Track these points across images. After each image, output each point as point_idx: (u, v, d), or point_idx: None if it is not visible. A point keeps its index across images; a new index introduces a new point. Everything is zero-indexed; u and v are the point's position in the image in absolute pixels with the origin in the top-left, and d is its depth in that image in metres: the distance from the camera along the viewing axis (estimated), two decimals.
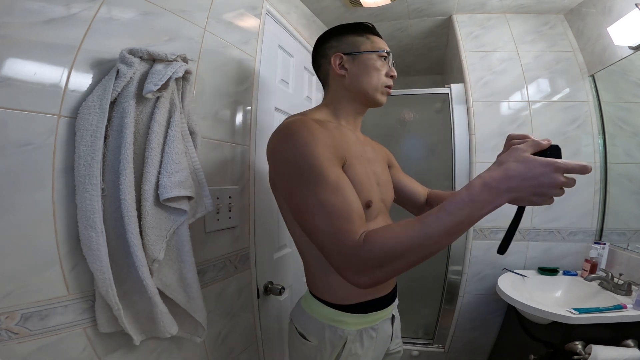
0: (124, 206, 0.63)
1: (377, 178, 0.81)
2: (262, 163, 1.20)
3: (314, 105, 1.63)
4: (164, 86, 0.69)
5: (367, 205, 0.72)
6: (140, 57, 0.68)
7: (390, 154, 1.02)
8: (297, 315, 0.83)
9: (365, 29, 0.82)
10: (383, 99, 0.82)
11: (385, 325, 0.83)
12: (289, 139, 0.64)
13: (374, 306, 0.79)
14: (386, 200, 0.85)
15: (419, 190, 1.00)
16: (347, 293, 0.76)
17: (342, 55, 0.79)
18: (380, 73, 0.80)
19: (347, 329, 0.75)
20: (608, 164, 1.59)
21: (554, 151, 0.50)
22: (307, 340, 0.77)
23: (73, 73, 0.63)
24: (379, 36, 0.83)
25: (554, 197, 0.48)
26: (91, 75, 0.66)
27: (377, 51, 0.79)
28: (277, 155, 0.68)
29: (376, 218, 0.77)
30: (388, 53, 0.81)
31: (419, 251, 0.52)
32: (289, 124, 0.67)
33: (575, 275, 1.52)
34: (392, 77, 0.82)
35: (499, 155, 0.55)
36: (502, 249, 0.55)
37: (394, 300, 0.86)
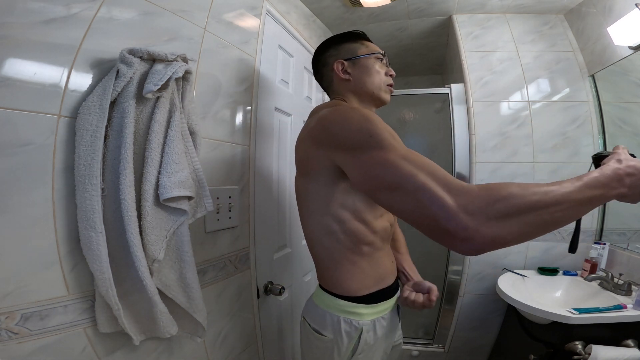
0: (124, 206, 0.63)
1: None
2: (262, 163, 1.20)
3: (314, 105, 1.63)
4: (164, 86, 0.69)
5: None
6: (140, 57, 0.68)
7: None
8: (310, 312, 0.84)
9: (358, 36, 0.88)
10: (387, 96, 0.87)
11: (393, 315, 0.86)
12: (351, 113, 0.66)
13: (383, 296, 0.82)
14: None
15: None
16: (358, 285, 0.78)
17: (343, 61, 0.85)
18: (381, 73, 0.86)
19: (362, 320, 0.78)
20: None
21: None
22: (323, 335, 0.79)
23: (73, 73, 0.63)
24: (371, 41, 0.90)
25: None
26: (91, 75, 0.66)
27: (374, 53, 0.86)
28: (337, 127, 0.66)
29: (382, 216, 0.80)
30: (384, 54, 0.87)
31: (552, 211, 0.46)
32: (343, 106, 0.72)
33: (575, 275, 1.52)
34: (391, 75, 0.88)
35: None
36: (573, 247, 0.61)
37: (397, 291, 0.89)
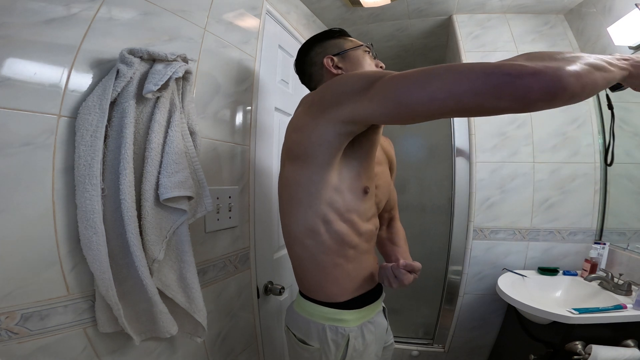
0: (124, 206, 0.63)
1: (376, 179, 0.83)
2: (262, 163, 1.20)
3: None
4: (164, 86, 0.69)
5: (365, 191, 0.74)
6: (140, 57, 0.68)
7: (393, 152, 1.02)
8: (293, 321, 0.80)
9: (338, 32, 0.87)
10: None
11: (380, 318, 0.84)
12: (351, 73, 0.67)
13: (368, 299, 0.79)
14: (379, 203, 0.86)
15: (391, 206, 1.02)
16: (341, 289, 0.75)
17: (332, 56, 0.83)
18: (372, 65, 0.84)
19: (348, 327, 0.74)
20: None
21: None
22: (309, 345, 0.75)
23: (73, 73, 0.63)
24: (351, 37, 0.88)
25: None
26: (91, 75, 0.66)
27: (362, 45, 0.85)
28: (342, 81, 0.64)
29: (369, 220, 0.78)
30: (371, 45, 0.86)
31: (591, 58, 0.49)
32: None
33: (575, 275, 1.52)
34: (381, 67, 0.86)
35: None
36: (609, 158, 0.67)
37: (382, 292, 0.87)
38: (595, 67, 0.48)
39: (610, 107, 0.77)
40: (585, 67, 0.46)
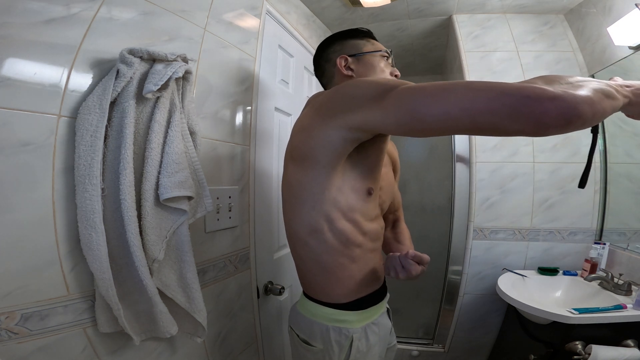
0: (124, 206, 0.63)
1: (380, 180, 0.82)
2: (262, 163, 1.20)
3: None
4: (164, 86, 0.69)
5: (369, 192, 0.74)
6: (140, 57, 0.68)
7: (396, 155, 1.02)
8: (297, 321, 0.80)
9: (364, 33, 0.86)
10: None
11: (384, 319, 0.83)
12: (364, 78, 0.66)
13: (371, 300, 0.79)
14: (383, 204, 0.86)
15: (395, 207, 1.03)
16: (345, 290, 0.75)
17: (347, 57, 0.82)
18: (385, 72, 0.83)
19: (352, 328, 0.74)
20: (608, 164, 1.59)
21: None
22: (312, 345, 0.75)
23: (73, 73, 0.63)
24: (377, 40, 0.87)
25: None
26: (91, 75, 0.66)
27: (380, 51, 0.83)
28: (355, 86, 0.64)
29: (373, 220, 0.78)
30: (390, 52, 0.84)
31: (598, 84, 0.50)
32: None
33: (575, 275, 1.52)
34: (396, 76, 0.84)
35: None
36: (583, 182, 0.64)
37: (386, 294, 0.86)
38: (606, 95, 0.48)
39: (594, 130, 0.66)
40: (598, 94, 0.46)
